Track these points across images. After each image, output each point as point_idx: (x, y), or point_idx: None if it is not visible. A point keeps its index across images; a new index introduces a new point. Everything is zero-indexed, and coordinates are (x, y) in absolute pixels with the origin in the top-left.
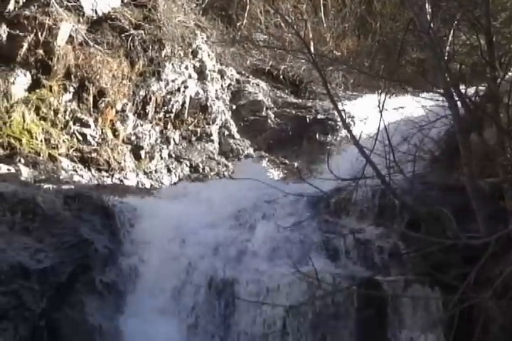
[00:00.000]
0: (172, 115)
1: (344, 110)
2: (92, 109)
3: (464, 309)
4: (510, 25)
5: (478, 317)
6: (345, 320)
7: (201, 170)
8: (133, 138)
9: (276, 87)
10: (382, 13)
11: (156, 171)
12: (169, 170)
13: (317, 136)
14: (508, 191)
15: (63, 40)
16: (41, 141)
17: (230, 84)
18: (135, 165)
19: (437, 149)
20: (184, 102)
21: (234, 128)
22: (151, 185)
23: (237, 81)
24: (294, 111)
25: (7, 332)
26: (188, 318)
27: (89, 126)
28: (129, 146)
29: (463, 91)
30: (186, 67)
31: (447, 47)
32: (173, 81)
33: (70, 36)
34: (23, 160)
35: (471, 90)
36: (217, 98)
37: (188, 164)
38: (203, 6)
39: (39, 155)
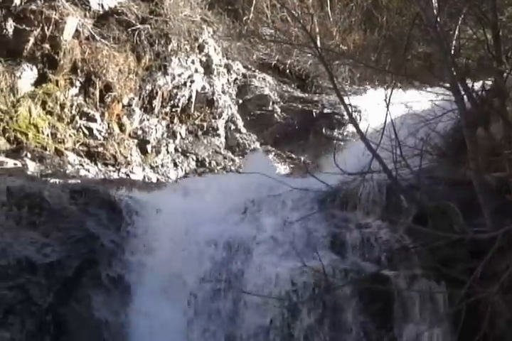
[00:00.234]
0: (178, 109)
1: (350, 104)
2: (98, 104)
3: (471, 303)
4: None
5: (484, 312)
6: (351, 314)
7: (207, 165)
8: (139, 132)
9: (282, 81)
10: (389, 8)
11: (162, 165)
12: (175, 165)
13: (323, 130)
14: None
15: (69, 35)
16: (47, 135)
17: (236, 79)
18: (141, 160)
19: (444, 144)
20: (190, 97)
21: (240, 123)
22: (158, 180)
23: (244, 75)
24: (300, 106)
25: (14, 327)
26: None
27: (95, 121)
28: (136, 141)
29: (469, 85)
30: (192, 62)
31: (454, 42)
32: (179, 75)
33: (77, 31)
34: (29, 155)
35: (478, 84)
36: (223, 92)
37: (195, 158)
38: (209, 0)
39: (45, 149)
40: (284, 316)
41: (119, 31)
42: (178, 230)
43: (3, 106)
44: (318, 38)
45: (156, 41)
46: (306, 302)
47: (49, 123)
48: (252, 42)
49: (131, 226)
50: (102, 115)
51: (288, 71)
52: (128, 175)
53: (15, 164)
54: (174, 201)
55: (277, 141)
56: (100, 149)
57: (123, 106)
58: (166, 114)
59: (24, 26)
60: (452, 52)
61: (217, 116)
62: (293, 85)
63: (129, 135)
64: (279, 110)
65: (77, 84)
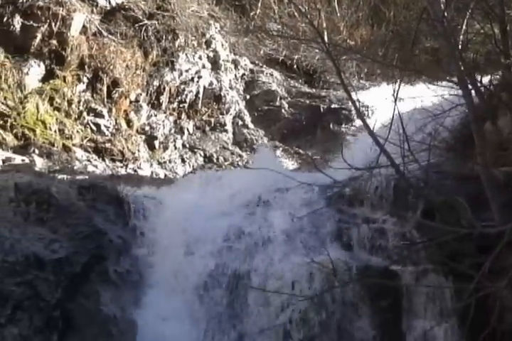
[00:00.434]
0: (186, 105)
1: (358, 99)
2: (105, 100)
3: (479, 298)
4: None
5: (493, 307)
6: (360, 310)
7: (215, 160)
8: (147, 128)
9: (290, 76)
10: (396, 2)
11: (170, 161)
12: (183, 161)
13: (331, 125)
14: None
15: (77, 31)
16: (55, 131)
17: (243, 74)
18: (149, 156)
19: (452, 138)
20: (198, 92)
21: (248, 118)
22: (165, 175)
23: (251, 71)
24: (307, 101)
25: (22, 323)
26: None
27: (103, 117)
28: (143, 136)
29: (477, 80)
30: (200, 57)
31: (461, 36)
32: (186, 71)
33: (84, 26)
34: (37, 151)
35: (486, 79)
36: (230, 88)
37: (202, 154)
38: None
39: (53, 145)
40: (291, 311)
41: (126, 27)
42: (186, 225)
43: (10, 102)
44: (326, 33)
45: (164, 37)
46: (315, 298)
47: (56, 119)
48: (259, 38)
49: (138, 221)
50: (110, 111)
51: (295, 66)
52: (136, 170)
53: (22, 160)
54: (182, 197)
55: (285, 136)
56: (108, 145)
57: (130, 102)
58: (174, 109)
59: (31, 22)
60: (460, 46)
61: (224, 112)
62: (300, 80)
63: (137, 131)
64: (286, 105)
65: (85, 80)
